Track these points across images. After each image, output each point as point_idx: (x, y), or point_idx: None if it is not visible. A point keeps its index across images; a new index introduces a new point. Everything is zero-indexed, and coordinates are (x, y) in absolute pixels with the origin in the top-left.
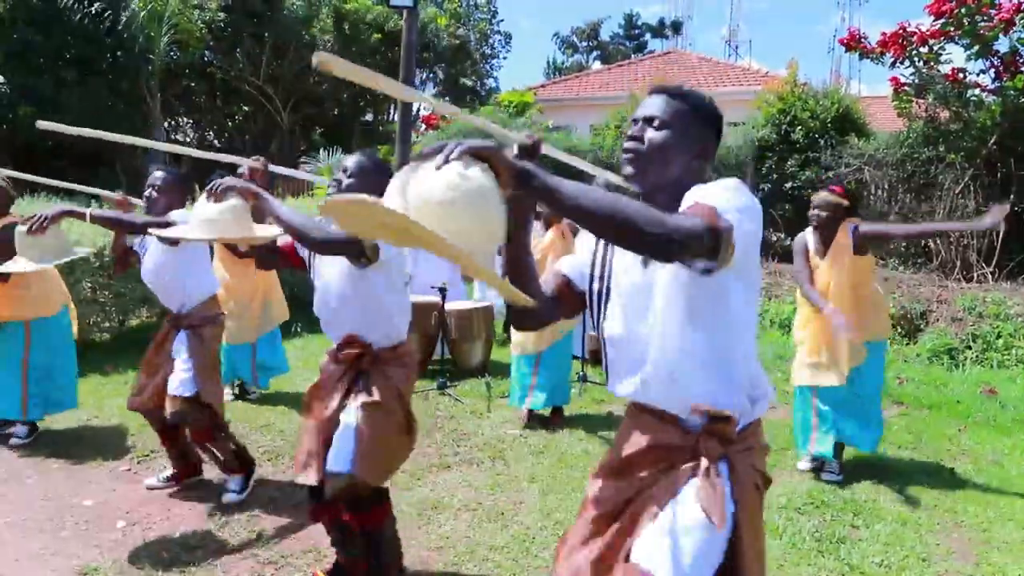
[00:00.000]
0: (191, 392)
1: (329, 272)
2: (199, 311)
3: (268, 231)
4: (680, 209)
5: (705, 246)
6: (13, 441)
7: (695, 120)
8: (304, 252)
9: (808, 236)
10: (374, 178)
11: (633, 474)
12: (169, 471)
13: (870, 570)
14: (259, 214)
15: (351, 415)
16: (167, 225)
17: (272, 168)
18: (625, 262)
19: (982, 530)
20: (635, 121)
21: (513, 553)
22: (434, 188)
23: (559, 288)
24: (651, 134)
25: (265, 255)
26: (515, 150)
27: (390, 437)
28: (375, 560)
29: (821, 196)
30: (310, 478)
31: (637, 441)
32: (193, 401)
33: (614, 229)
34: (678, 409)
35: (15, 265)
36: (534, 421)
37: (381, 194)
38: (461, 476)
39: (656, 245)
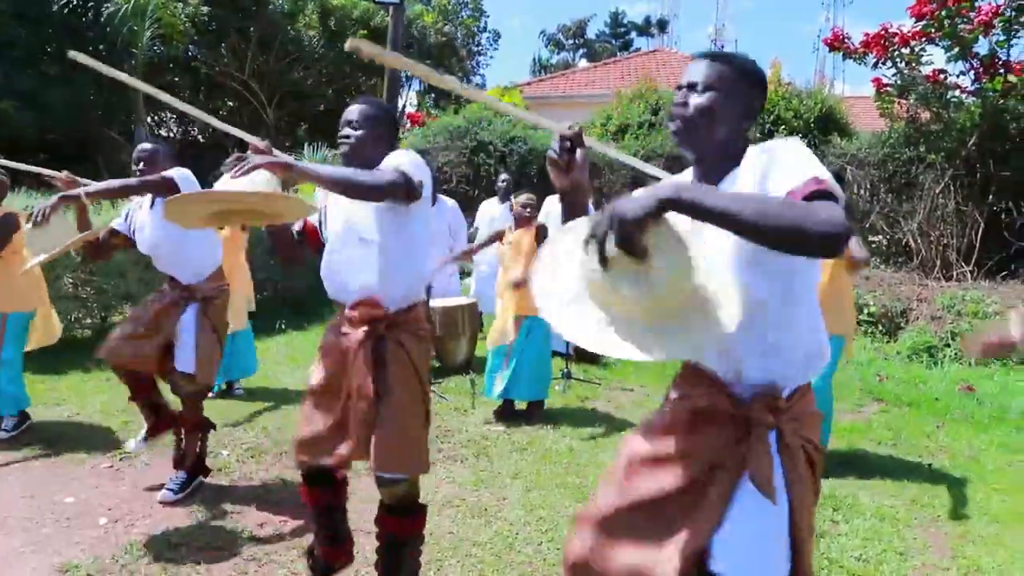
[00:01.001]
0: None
1: (358, 213)
2: (209, 282)
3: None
4: (776, 182)
5: (833, 252)
6: (0, 435)
7: (738, 82)
8: (318, 221)
9: None
10: (384, 127)
11: (680, 440)
12: (143, 432)
13: (849, 564)
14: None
15: (386, 410)
16: (166, 182)
17: (276, 154)
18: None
19: (959, 524)
20: (679, 88)
21: (496, 549)
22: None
23: None
24: (695, 99)
25: (293, 242)
26: (557, 139)
27: (420, 421)
28: (398, 568)
29: None
30: (331, 460)
31: (685, 405)
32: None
33: (773, 237)
34: (731, 376)
35: (36, 258)
36: (508, 414)
37: (392, 139)
38: (445, 472)
39: (821, 248)
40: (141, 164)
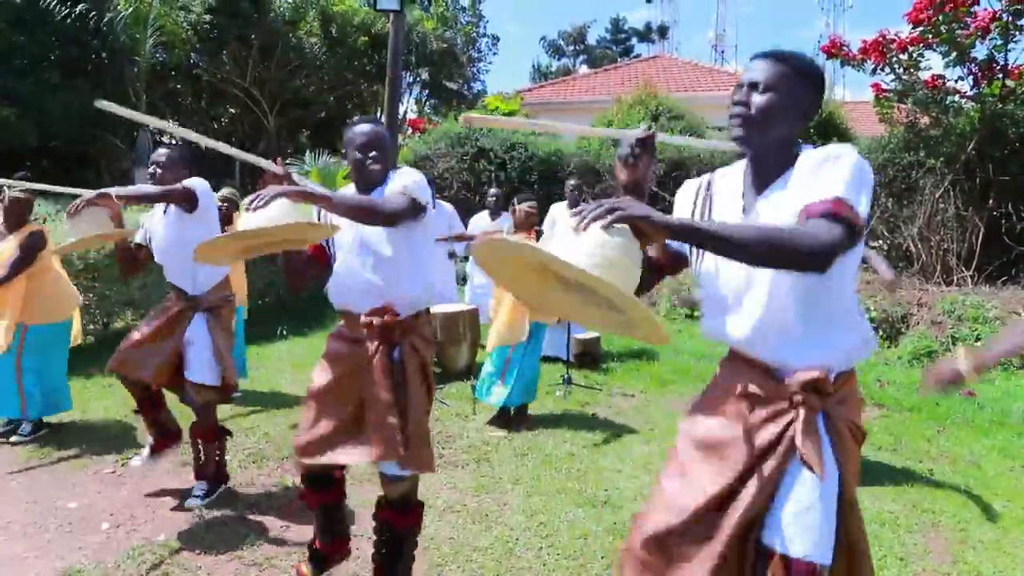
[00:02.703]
0: (217, 380)
1: (369, 232)
2: (214, 292)
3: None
4: (810, 191)
5: (848, 245)
6: (14, 439)
7: (798, 81)
8: (327, 245)
9: None
10: (391, 149)
11: (731, 425)
12: (147, 448)
13: None
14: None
15: (404, 411)
16: (186, 192)
17: (297, 180)
18: (727, 209)
19: (959, 530)
20: (740, 87)
21: (497, 554)
22: (584, 247)
23: (663, 256)
24: (756, 99)
25: (305, 263)
26: (631, 143)
27: (425, 420)
28: (395, 562)
29: None
30: (342, 458)
31: (735, 391)
32: (218, 388)
33: (768, 259)
34: (774, 360)
35: (68, 241)
36: (503, 418)
37: (394, 158)
38: (446, 478)
39: (812, 265)
40: (157, 169)
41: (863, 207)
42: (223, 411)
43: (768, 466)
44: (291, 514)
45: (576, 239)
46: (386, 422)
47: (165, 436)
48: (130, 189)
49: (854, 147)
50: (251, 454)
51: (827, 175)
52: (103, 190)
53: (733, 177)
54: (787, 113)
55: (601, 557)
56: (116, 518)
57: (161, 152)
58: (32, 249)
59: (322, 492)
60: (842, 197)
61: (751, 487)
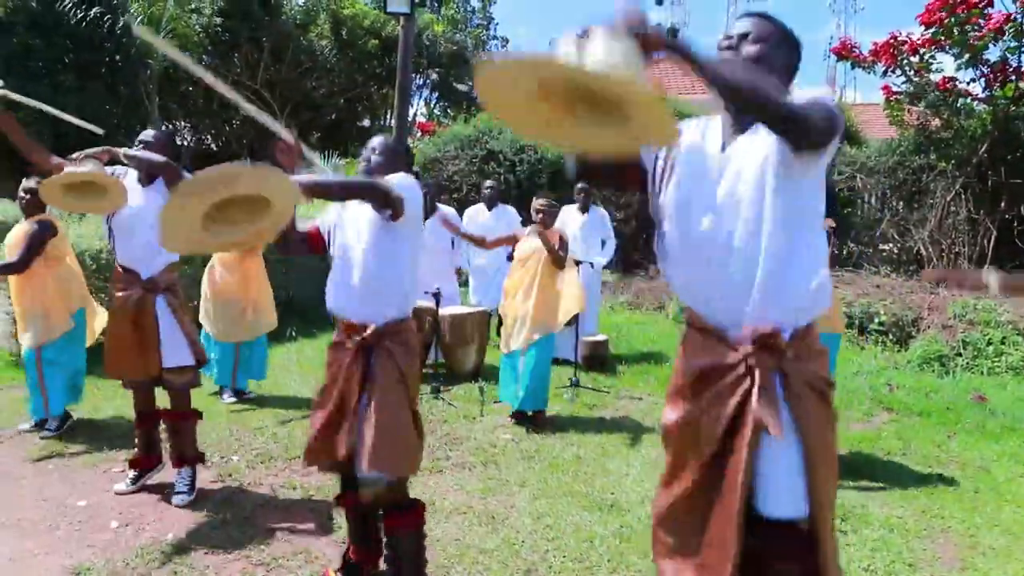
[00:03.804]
0: (192, 359)
1: (352, 233)
2: (167, 272)
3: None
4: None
5: (829, 136)
6: (43, 434)
7: (782, 40)
8: (325, 231)
9: None
10: (400, 158)
11: (697, 399)
12: (131, 474)
13: (856, 575)
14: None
15: (367, 413)
16: (171, 167)
17: (306, 152)
18: (709, 147)
19: (969, 536)
20: (727, 37)
21: (503, 556)
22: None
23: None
24: (747, 48)
25: (295, 244)
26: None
27: (404, 423)
28: (395, 564)
29: None
30: (324, 461)
31: (692, 365)
32: (193, 367)
33: (755, 108)
34: (729, 321)
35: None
36: (523, 421)
37: (399, 168)
38: (453, 480)
39: (791, 132)
40: (141, 147)
41: (840, 118)
42: (232, 411)
43: (740, 440)
44: (299, 514)
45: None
46: (351, 425)
47: (149, 455)
48: (133, 151)
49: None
50: (259, 454)
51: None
52: (105, 148)
53: (716, 122)
54: (772, 66)
55: (607, 560)
56: (125, 517)
57: (148, 133)
58: (39, 237)
59: (350, 495)
60: (819, 98)
61: (732, 463)
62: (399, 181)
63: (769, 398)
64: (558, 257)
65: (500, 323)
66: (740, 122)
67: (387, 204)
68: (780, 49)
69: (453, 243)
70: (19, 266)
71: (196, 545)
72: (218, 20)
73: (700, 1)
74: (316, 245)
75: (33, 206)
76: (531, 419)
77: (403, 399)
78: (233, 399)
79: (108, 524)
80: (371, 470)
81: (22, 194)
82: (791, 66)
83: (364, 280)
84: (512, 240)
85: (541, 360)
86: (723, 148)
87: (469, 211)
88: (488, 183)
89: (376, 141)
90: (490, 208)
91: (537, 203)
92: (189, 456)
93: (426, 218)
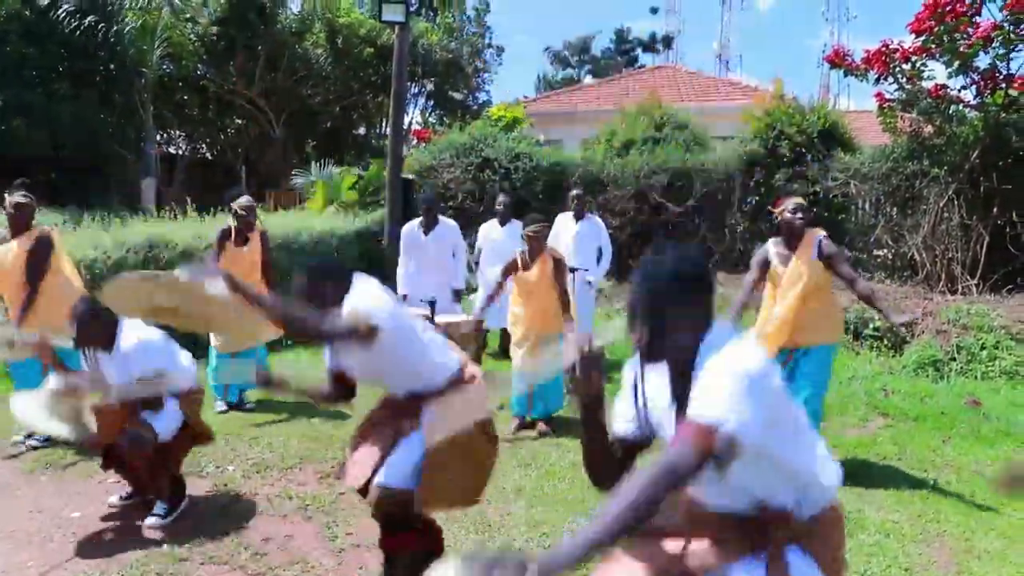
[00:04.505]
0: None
1: (351, 362)
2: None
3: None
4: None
5: (708, 468)
6: (33, 442)
7: (674, 297)
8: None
9: (771, 248)
10: (336, 273)
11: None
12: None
13: None
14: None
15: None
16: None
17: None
18: (661, 400)
19: (964, 540)
20: (632, 318)
21: None
22: None
23: (624, 449)
24: (642, 331)
25: (338, 396)
26: (575, 364)
27: (454, 464)
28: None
29: (796, 202)
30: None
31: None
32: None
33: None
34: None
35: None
36: (522, 427)
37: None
38: None
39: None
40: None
41: (739, 425)
42: (230, 420)
43: None
44: (294, 524)
45: None
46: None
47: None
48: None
49: (751, 356)
50: (255, 464)
51: (704, 387)
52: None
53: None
54: (672, 333)
55: None
56: (119, 528)
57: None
58: (44, 251)
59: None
60: (701, 422)
61: None
62: (366, 305)
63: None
64: (567, 302)
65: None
66: (674, 384)
67: (359, 338)
68: (677, 310)
69: (454, 254)
70: (33, 294)
71: (191, 556)
72: (214, 29)
73: (694, 10)
74: (348, 382)
75: (20, 220)
76: (533, 424)
77: (460, 442)
78: (224, 408)
79: (103, 536)
80: (387, 481)
81: (10, 210)
82: (703, 308)
83: (384, 380)
84: (513, 268)
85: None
86: (670, 405)
87: (483, 227)
88: (501, 198)
89: (302, 278)
90: (503, 224)
91: (528, 230)
92: (165, 496)
93: (427, 232)
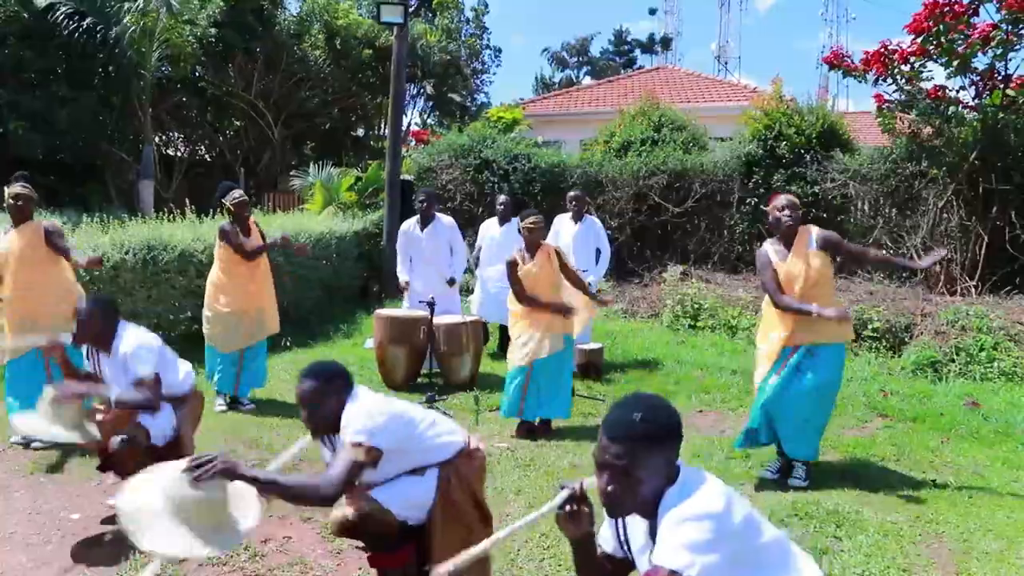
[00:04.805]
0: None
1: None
2: None
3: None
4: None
5: None
6: (35, 444)
7: (644, 451)
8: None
9: (769, 247)
10: (333, 385)
11: None
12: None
13: None
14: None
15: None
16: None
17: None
18: (638, 539)
19: (963, 541)
20: (602, 467)
21: (498, 565)
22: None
23: (613, 564)
24: (610, 487)
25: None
26: (563, 497)
27: (457, 525)
28: None
29: (788, 199)
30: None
31: None
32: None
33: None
34: None
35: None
36: (524, 432)
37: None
38: None
39: None
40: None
41: (701, 565)
42: (228, 420)
43: None
44: (293, 527)
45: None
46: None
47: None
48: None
49: (713, 498)
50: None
51: (666, 541)
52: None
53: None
54: (640, 486)
55: None
56: (119, 529)
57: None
58: (59, 231)
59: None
60: (667, 570)
61: None
62: (362, 433)
63: None
64: (579, 281)
65: (501, 337)
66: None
67: (363, 468)
68: (642, 467)
69: (452, 250)
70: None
71: (191, 557)
72: (212, 31)
73: (693, 11)
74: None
75: (21, 211)
76: (540, 427)
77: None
78: (224, 407)
79: (102, 537)
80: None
81: (10, 200)
82: (667, 460)
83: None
84: (514, 265)
85: (560, 367)
86: (642, 550)
87: (483, 225)
88: (502, 198)
89: (305, 393)
90: (502, 223)
91: (528, 221)
92: None
93: (423, 227)
